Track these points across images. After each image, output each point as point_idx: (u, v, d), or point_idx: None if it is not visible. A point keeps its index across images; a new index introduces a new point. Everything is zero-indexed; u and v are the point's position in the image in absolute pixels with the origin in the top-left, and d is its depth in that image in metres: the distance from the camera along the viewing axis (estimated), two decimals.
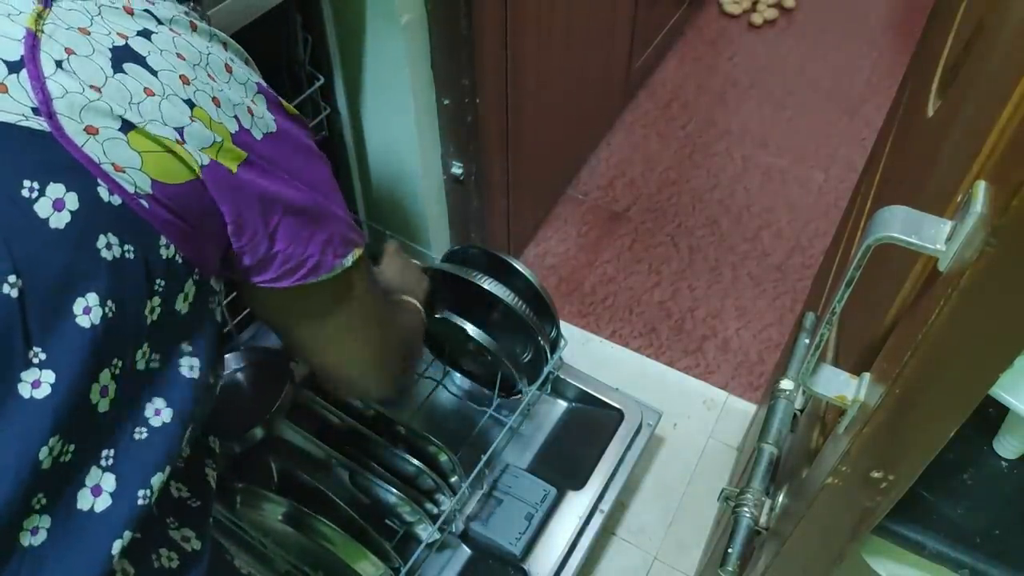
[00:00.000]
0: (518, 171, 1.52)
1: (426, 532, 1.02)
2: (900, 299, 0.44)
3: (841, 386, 0.45)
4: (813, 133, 2.04)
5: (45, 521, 0.45)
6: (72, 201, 0.42)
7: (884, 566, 0.54)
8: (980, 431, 0.53)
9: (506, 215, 1.58)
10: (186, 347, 0.51)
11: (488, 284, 1.04)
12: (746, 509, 0.59)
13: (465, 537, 1.11)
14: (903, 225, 0.36)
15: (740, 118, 2.09)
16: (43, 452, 0.43)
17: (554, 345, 1.15)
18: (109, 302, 0.44)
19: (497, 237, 1.59)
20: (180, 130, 0.46)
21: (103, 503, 0.47)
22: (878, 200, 0.71)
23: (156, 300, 0.47)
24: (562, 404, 1.28)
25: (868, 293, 0.52)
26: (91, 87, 0.43)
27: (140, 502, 0.49)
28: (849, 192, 1.10)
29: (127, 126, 0.44)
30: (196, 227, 0.48)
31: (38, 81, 0.42)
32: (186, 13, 0.50)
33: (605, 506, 1.15)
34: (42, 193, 0.42)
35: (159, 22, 0.48)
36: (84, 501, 0.47)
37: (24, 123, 0.41)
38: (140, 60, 0.45)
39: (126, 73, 0.45)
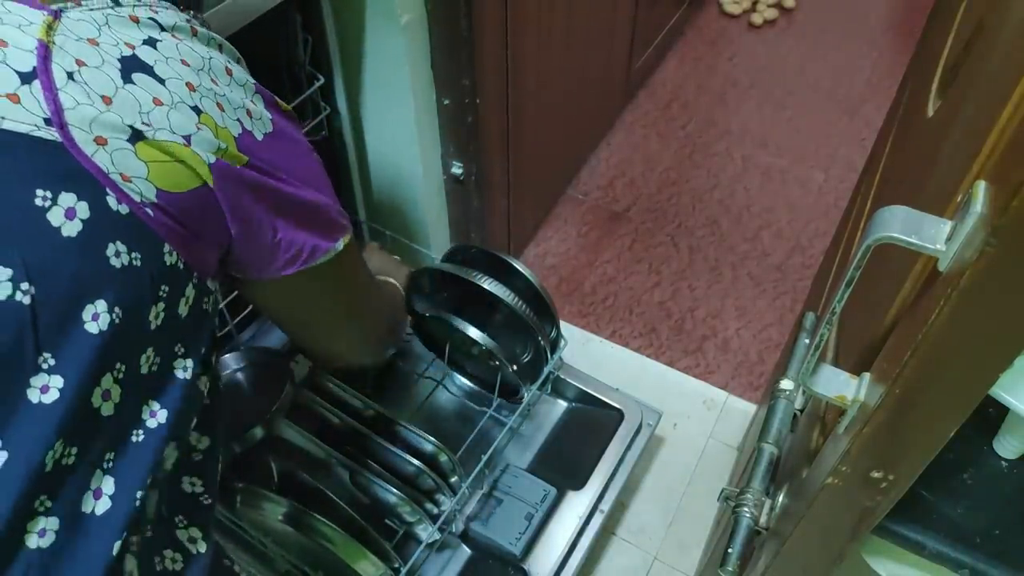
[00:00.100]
0: (518, 171, 1.52)
1: (426, 532, 1.02)
2: (900, 299, 0.44)
3: (841, 386, 0.45)
4: (813, 133, 2.04)
5: (53, 523, 0.45)
6: (83, 210, 0.43)
7: (884, 566, 0.54)
8: (980, 431, 0.53)
9: (506, 215, 1.58)
10: (179, 349, 0.52)
11: (488, 284, 1.04)
12: (746, 509, 0.59)
13: (465, 537, 1.11)
14: (903, 225, 0.36)
15: (740, 118, 2.09)
16: (48, 455, 0.44)
17: (554, 345, 1.15)
18: (116, 308, 0.45)
19: (497, 237, 1.59)
20: (188, 137, 0.47)
21: (103, 506, 0.48)
22: (878, 200, 0.71)
23: (160, 305, 0.48)
24: (562, 404, 1.28)
25: (868, 293, 0.52)
26: (102, 98, 0.44)
27: (136, 504, 0.49)
28: (849, 192, 1.10)
29: (136, 136, 0.45)
30: (197, 232, 0.49)
31: (50, 92, 0.42)
32: (187, 20, 0.51)
33: (605, 506, 1.15)
34: (55, 202, 0.43)
35: (162, 29, 0.49)
36: (87, 504, 0.47)
37: (36, 133, 0.42)
38: (148, 69, 0.46)
39: (135, 84, 0.45)
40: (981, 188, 0.32)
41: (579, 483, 1.15)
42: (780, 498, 0.59)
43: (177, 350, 0.52)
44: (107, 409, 0.47)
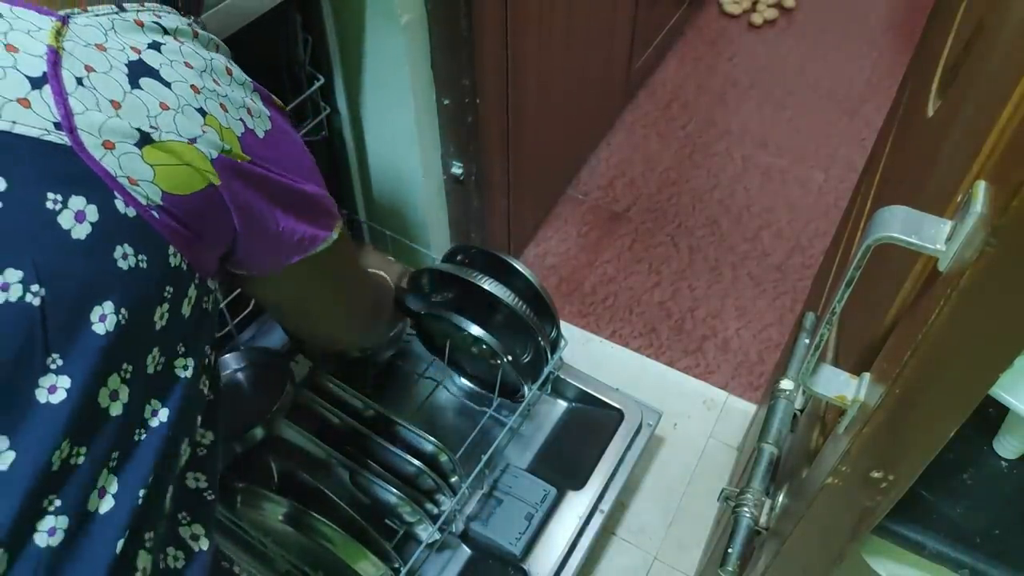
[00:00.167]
0: (518, 171, 1.52)
1: (426, 532, 1.02)
2: (900, 299, 0.44)
3: (841, 386, 0.45)
4: (813, 133, 2.04)
5: (63, 522, 0.46)
6: (92, 213, 0.44)
7: (884, 566, 0.54)
8: (980, 431, 0.53)
9: (506, 215, 1.58)
10: (181, 348, 0.53)
11: (488, 284, 1.04)
12: (746, 509, 0.59)
13: (465, 537, 1.11)
14: (903, 225, 0.36)
15: (740, 118, 2.09)
16: (55, 455, 0.45)
17: (554, 345, 1.15)
18: (123, 310, 0.46)
19: (497, 237, 1.59)
20: (193, 140, 0.48)
21: (107, 505, 0.48)
22: (878, 200, 0.71)
23: (165, 307, 0.49)
24: (562, 404, 1.28)
25: (868, 293, 0.52)
26: (111, 103, 0.45)
27: (139, 502, 0.50)
28: (849, 192, 1.10)
29: (144, 140, 0.46)
30: (199, 233, 0.50)
31: (60, 97, 0.43)
32: (188, 24, 0.52)
33: (605, 506, 1.15)
34: (65, 205, 0.43)
35: (166, 32, 0.49)
36: (93, 503, 0.48)
37: (47, 137, 0.43)
38: (154, 73, 0.47)
39: (142, 88, 0.46)
40: (981, 188, 0.32)
41: (579, 483, 1.15)
42: (780, 498, 0.59)
43: (179, 349, 0.52)
44: (116, 409, 0.48)
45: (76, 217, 0.44)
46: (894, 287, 0.45)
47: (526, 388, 1.12)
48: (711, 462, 1.41)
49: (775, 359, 1.51)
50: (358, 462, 1.02)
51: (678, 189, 1.90)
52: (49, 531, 0.45)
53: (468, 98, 1.23)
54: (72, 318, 0.44)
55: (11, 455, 0.43)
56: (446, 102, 1.22)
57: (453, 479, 1.04)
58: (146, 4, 0.49)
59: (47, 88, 0.43)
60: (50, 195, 0.43)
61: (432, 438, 1.02)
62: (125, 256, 0.46)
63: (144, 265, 0.47)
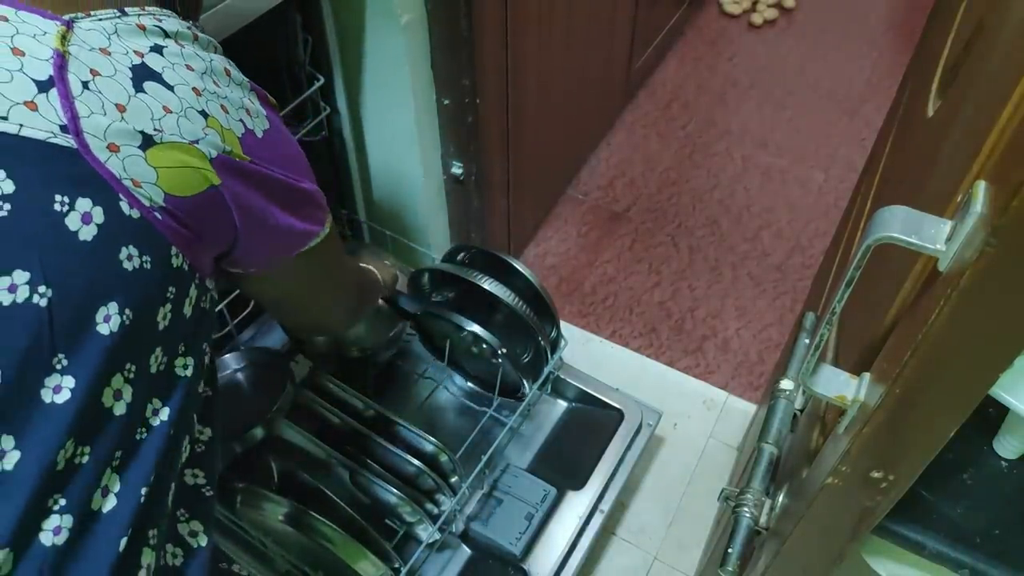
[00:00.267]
0: (518, 171, 1.52)
1: (426, 532, 1.02)
2: (900, 299, 0.44)
3: (841, 386, 0.45)
4: (813, 133, 2.04)
5: (68, 521, 0.46)
6: (98, 215, 0.45)
7: (884, 566, 0.54)
8: (980, 431, 0.53)
9: (506, 215, 1.58)
10: (181, 348, 0.53)
11: (488, 284, 1.04)
12: (746, 509, 0.59)
13: (465, 537, 1.11)
14: (903, 225, 0.36)
15: (740, 118, 2.09)
16: (59, 455, 0.45)
17: (554, 345, 1.15)
18: (127, 311, 0.47)
19: (497, 237, 1.59)
20: (195, 141, 0.48)
21: (110, 503, 0.49)
22: (878, 200, 0.71)
23: (168, 307, 0.50)
24: (562, 404, 1.28)
25: (868, 293, 0.52)
26: (116, 107, 0.45)
27: (141, 501, 0.50)
28: (849, 192, 1.10)
29: (147, 143, 0.46)
30: (200, 234, 0.51)
31: (67, 100, 0.43)
32: (188, 28, 0.52)
33: (605, 506, 1.15)
34: (72, 207, 0.44)
35: (167, 35, 0.50)
36: (96, 502, 0.48)
37: (53, 140, 0.43)
38: (157, 77, 0.48)
39: (146, 92, 0.47)
40: (981, 188, 0.32)
41: (579, 483, 1.15)
42: (780, 498, 0.59)
43: (180, 349, 0.53)
44: (119, 408, 0.48)
45: (83, 219, 0.44)
46: (894, 287, 0.45)
47: (526, 387, 1.12)
48: (711, 462, 1.41)
49: (775, 359, 1.51)
50: (358, 462, 1.02)
51: (678, 189, 1.90)
52: (54, 530, 0.46)
53: (468, 98, 1.23)
54: (78, 319, 0.45)
55: (16, 455, 0.44)
56: (446, 102, 1.22)
57: (453, 479, 1.04)
58: (147, 8, 0.50)
59: (54, 91, 0.43)
60: (57, 197, 0.43)
61: (432, 438, 1.02)
62: (130, 257, 0.46)
63: (148, 266, 0.47)
